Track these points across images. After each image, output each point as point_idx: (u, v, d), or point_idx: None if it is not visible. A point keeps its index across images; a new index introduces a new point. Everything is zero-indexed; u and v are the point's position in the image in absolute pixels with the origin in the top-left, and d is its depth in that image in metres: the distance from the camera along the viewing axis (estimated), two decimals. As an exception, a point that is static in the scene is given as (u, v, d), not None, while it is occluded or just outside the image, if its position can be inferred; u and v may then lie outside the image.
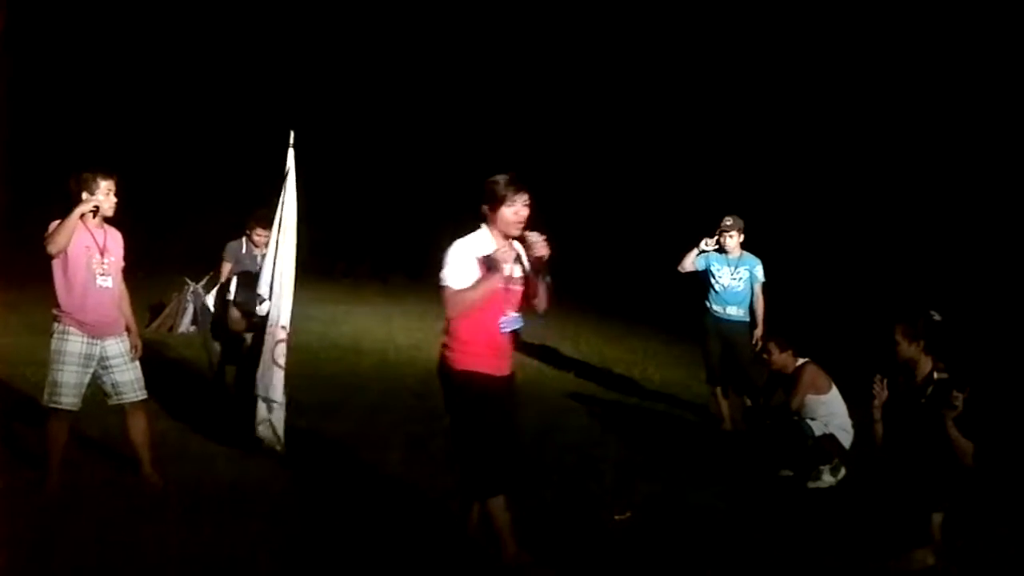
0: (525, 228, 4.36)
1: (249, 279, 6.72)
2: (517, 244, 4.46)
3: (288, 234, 6.35)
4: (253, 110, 17.99)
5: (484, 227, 4.43)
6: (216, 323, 7.16)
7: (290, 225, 6.36)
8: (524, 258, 4.45)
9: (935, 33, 15.51)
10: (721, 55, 18.53)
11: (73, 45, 18.12)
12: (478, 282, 4.27)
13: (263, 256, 6.93)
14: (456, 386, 4.41)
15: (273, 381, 6.16)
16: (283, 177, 6.35)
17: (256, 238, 7.19)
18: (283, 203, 6.34)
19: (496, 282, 4.30)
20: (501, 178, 4.36)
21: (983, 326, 10.09)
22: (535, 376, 9.70)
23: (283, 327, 6.26)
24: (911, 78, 16.09)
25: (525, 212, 4.36)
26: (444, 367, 4.47)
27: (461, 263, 4.30)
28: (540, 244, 4.33)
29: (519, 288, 4.46)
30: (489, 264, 4.31)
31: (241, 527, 4.80)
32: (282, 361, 6.20)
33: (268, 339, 6.22)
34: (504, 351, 4.48)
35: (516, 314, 4.43)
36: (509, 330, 4.42)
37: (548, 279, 4.46)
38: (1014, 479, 5.99)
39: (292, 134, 6.35)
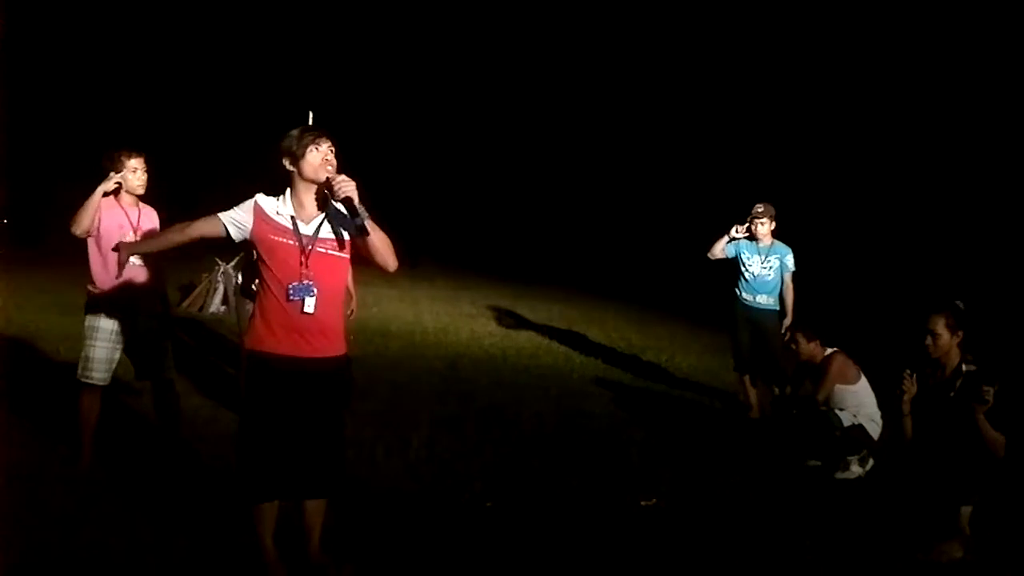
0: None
1: None
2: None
3: None
4: (286, 90, 18.08)
5: (287, 192, 3.92)
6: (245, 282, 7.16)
7: None
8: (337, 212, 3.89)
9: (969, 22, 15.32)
10: (760, 46, 18.39)
11: (119, 26, 18.31)
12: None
13: None
14: (246, 369, 3.96)
15: None
16: None
17: None
18: None
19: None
20: (290, 134, 3.88)
21: (1009, 317, 9.97)
22: (562, 361, 9.71)
23: None
24: (945, 70, 15.89)
25: (331, 155, 3.85)
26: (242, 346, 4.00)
27: (241, 208, 3.90)
28: (344, 183, 3.74)
29: (335, 252, 3.91)
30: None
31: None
32: None
33: None
34: (297, 327, 3.85)
35: (311, 284, 3.82)
36: (303, 299, 3.82)
37: (360, 220, 3.73)
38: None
39: (311, 115, 6.34)
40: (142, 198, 5.38)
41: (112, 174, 5.19)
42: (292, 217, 3.87)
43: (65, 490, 4.82)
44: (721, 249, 7.69)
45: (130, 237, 5.22)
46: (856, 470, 6.22)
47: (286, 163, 3.89)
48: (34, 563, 4.02)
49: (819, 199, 15.71)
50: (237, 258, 10.93)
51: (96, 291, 5.23)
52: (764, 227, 7.57)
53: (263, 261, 3.88)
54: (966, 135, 15.40)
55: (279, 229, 3.86)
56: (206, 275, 11.68)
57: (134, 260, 5.25)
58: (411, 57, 21.22)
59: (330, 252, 3.91)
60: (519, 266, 17.19)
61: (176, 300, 10.89)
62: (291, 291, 3.82)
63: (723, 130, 18.61)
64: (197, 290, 11.60)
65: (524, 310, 12.99)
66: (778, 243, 7.64)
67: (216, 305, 11.30)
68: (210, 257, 11.83)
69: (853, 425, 6.24)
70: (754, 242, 7.62)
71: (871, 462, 6.25)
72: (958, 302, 5.03)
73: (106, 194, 5.20)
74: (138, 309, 5.29)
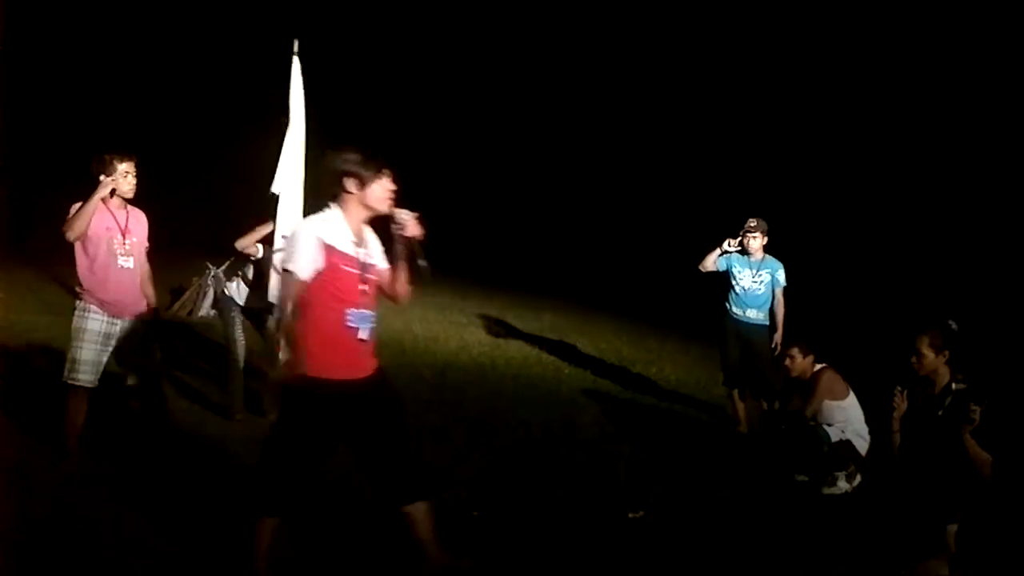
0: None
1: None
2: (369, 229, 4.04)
3: (295, 146, 6.41)
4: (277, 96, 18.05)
5: (334, 208, 3.91)
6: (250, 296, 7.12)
7: (296, 137, 6.42)
8: (391, 242, 3.99)
9: (967, 40, 15.40)
10: (754, 59, 18.46)
11: (104, 27, 18.24)
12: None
13: None
14: (290, 391, 3.88)
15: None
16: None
17: None
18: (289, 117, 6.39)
19: None
20: (355, 154, 3.89)
21: (1001, 336, 10.01)
22: (552, 372, 9.70)
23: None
24: (940, 88, 15.98)
25: (393, 186, 3.94)
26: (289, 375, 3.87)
27: (306, 245, 3.78)
28: (412, 223, 3.94)
29: (378, 277, 4.00)
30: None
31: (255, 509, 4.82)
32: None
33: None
34: (354, 350, 3.90)
35: (369, 311, 3.92)
36: (360, 327, 3.88)
37: (424, 262, 3.96)
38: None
39: (296, 43, 6.33)
40: (129, 200, 5.36)
41: (104, 178, 5.17)
42: (354, 243, 3.90)
43: (51, 492, 4.79)
44: (712, 262, 7.69)
45: (118, 239, 5.21)
46: (843, 486, 6.22)
47: (349, 185, 3.87)
48: (19, 564, 3.99)
49: (811, 214, 15.75)
50: (228, 262, 10.90)
51: (83, 293, 5.21)
52: (756, 241, 7.58)
53: (320, 286, 3.82)
54: (959, 149, 15.47)
55: (344, 257, 3.86)
56: (196, 279, 11.62)
57: (123, 263, 5.24)
58: (396, 66, 21.23)
59: (376, 278, 3.98)
60: (510, 275, 17.17)
61: (166, 304, 10.83)
62: (350, 318, 3.84)
63: (716, 143, 18.66)
64: (187, 294, 11.54)
65: (514, 320, 12.97)
66: (769, 258, 7.65)
67: (206, 309, 11.21)
68: (200, 260, 11.79)
69: (841, 441, 6.24)
70: (746, 256, 7.63)
71: (858, 478, 6.26)
72: (950, 322, 5.04)
73: None
74: (125, 312, 5.27)
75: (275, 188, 6.37)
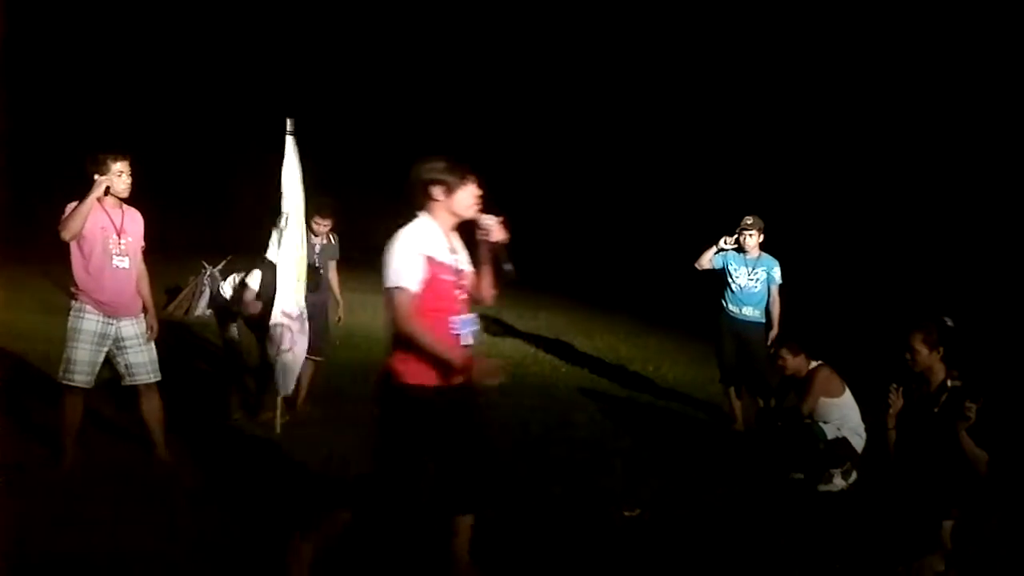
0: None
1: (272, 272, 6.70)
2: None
3: (293, 222, 6.39)
4: (271, 94, 18.05)
5: (424, 217, 3.93)
6: (225, 306, 7.13)
7: (295, 213, 6.40)
8: (475, 246, 4.04)
9: (965, 39, 15.42)
10: (748, 56, 18.47)
11: (103, 25, 18.22)
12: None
13: (321, 245, 7.08)
14: (401, 402, 3.87)
15: (284, 371, 6.35)
16: (283, 167, 6.39)
17: (315, 226, 7.17)
18: (283, 192, 6.38)
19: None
20: (442, 163, 3.92)
21: (997, 333, 10.02)
22: (548, 370, 9.70)
23: (283, 312, 6.32)
24: (935, 86, 15.99)
25: (478, 191, 3.96)
26: (388, 382, 3.89)
27: (409, 258, 3.79)
28: (497, 227, 3.99)
29: (467, 281, 4.04)
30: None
31: (251, 509, 4.83)
32: (287, 346, 6.27)
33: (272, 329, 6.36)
34: (461, 355, 3.90)
35: (471, 315, 3.97)
36: (465, 332, 3.93)
37: (509, 266, 4.02)
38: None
39: (289, 122, 6.32)
40: (125, 199, 5.34)
41: (99, 178, 5.15)
42: (448, 251, 3.93)
43: (46, 493, 4.79)
44: (709, 260, 7.70)
45: (113, 239, 5.20)
46: (839, 483, 6.23)
47: (436, 192, 3.90)
48: (14, 565, 3.98)
49: (807, 212, 15.75)
50: (224, 261, 10.91)
51: (78, 292, 5.20)
52: (752, 239, 7.58)
53: (422, 296, 3.81)
54: (952, 145, 15.49)
55: (443, 267, 3.89)
56: (192, 278, 11.64)
57: (119, 262, 5.23)
58: (394, 61, 21.21)
59: (465, 283, 4.02)
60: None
61: (162, 303, 10.83)
62: (455, 325, 3.89)
63: (713, 141, 18.66)
64: (183, 293, 11.56)
65: (511, 318, 12.97)
66: (765, 255, 7.65)
67: (202, 308, 11.24)
68: (196, 260, 11.80)
69: (837, 438, 6.24)
70: (742, 254, 7.63)
71: (854, 475, 6.26)
72: (946, 318, 5.04)
73: None
74: (121, 312, 5.27)
75: (270, 255, 6.49)
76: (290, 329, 6.34)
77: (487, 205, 4.01)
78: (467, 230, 4.07)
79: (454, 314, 3.91)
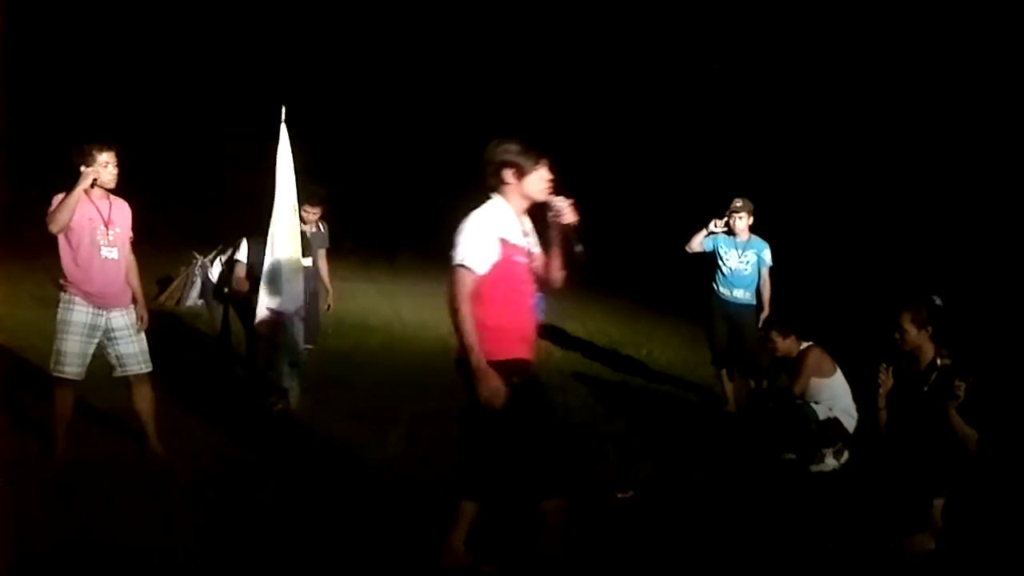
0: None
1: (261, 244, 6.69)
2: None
3: (282, 216, 6.37)
4: (263, 83, 17.98)
5: (497, 198, 3.99)
6: (219, 286, 7.17)
7: (284, 207, 6.37)
8: (545, 229, 4.08)
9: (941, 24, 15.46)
10: (737, 42, 18.45)
11: (90, 16, 18.10)
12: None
13: (311, 233, 7.13)
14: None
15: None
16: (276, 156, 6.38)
17: (304, 215, 7.17)
18: (277, 183, 6.37)
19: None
20: (515, 145, 3.96)
21: (986, 311, 10.06)
22: (541, 355, 9.69)
23: (268, 308, 6.39)
24: (917, 69, 16.02)
25: (550, 175, 4.01)
26: (465, 365, 3.90)
27: (481, 239, 3.84)
28: (568, 209, 4.00)
29: (538, 263, 4.08)
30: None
31: (244, 500, 4.84)
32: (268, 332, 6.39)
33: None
34: (532, 336, 4.07)
35: (539, 296, 4.06)
36: (538, 310, 4.06)
37: (580, 247, 4.04)
38: (1015, 466, 5.98)
39: (284, 109, 6.30)
40: (112, 190, 5.32)
41: (85, 169, 5.13)
42: (521, 233, 3.98)
43: (38, 485, 4.78)
44: (699, 243, 7.71)
45: (101, 230, 5.18)
46: (831, 463, 6.26)
47: (508, 175, 3.95)
48: (9, 557, 3.98)
49: (797, 193, 15.77)
50: (215, 251, 10.87)
51: (67, 284, 5.18)
52: (742, 222, 7.60)
53: (495, 278, 3.87)
54: (938, 128, 15.51)
55: (516, 248, 3.95)
56: (183, 268, 11.61)
57: (107, 253, 5.21)
58: (384, 51, 21.12)
59: (537, 265, 4.07)
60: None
61: (153, 294, 10.81)
62: (536, 304, 3.98)
63: (702, 124, 18.64)
64: (174, 284, 11.53)
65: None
66: (755, 238, 7.67)
67: (193, 299, 11.22)
68: (187, 250, 11.77)
69: (828, 418, 6.27)
70: (732, 236, 7.65)
71: (846, 455, 6.30)
72: (935, 297, 5.06)
73: None
74: (111, 303, 5.25)
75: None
76: (281, 320, 6.37)
77: (559, 188, 4.04)
78: (536, 212, 4.11)
79: (526, 296, 3.99)
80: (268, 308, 6.39)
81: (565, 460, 4.12)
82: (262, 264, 6.50)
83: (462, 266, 3.82)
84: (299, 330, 6.57)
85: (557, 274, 4.13)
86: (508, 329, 3.91)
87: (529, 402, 3.95)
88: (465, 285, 3.81)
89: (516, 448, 3.93)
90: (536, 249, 4.07)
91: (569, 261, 4.10)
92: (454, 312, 3.84)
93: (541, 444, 3.98)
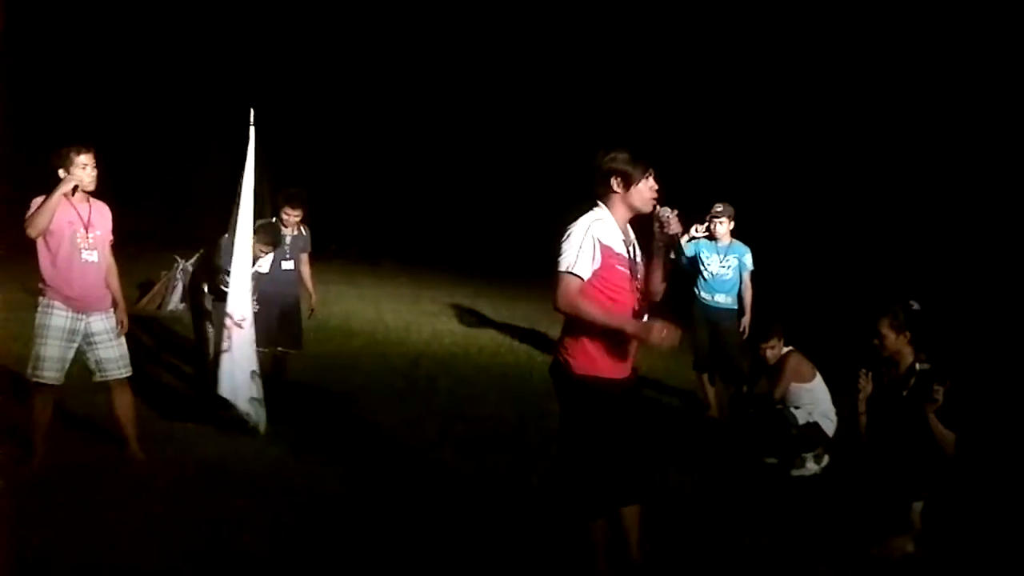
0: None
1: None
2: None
3: (244, 222, 6.08)
4: (248, 87, 17.93)
5: (602, 207, 3.94)
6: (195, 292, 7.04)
7: (246, 213, 6.08)
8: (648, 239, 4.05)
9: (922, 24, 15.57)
10: (718, 47, 18.51)
11: (76, 28, 18.01)
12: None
13: (292, 236, 7.04)
14: (579, 394, 3.90)
15: (229, 373, 5.99)
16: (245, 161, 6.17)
17: (285, 217, 7.13)
18: (241, 188, 6.08)
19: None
20: (623, 154, 3.91)
21: (964, 315, 10.14)
22: (524, 360, 9.72)
23: (230, 316, 6.04)
24: (896, 72, 16.13)
25: (656, 185, 3.96)
26: (562, 372, 3.93)
27: (585, 246, 3.79)
28: (675, 221, 3.96)
29: (640, 273, 4.01)
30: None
31: (226, 505, 4.82)
32: (225, 347, 5.98)
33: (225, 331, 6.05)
34: (631, 350, 3.98)
35: (641, 309, 3.95)
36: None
37: (683, 258, 4.09)
38: (993, 468, 6.04)
39: (252, 112, 6.18)
40: (92, 192, 5.28)
41: (64, 173, 5.09)
42: (624, 242, 3.92)
43: (16, 492, 4.75)
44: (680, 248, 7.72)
45: (81, 233, 5.15)
46: (812, 467, 6.29)
47: (615, 184, 3.91)
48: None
49: (778, 198, 15.85)
50: (197, 255, 10.82)
51: (46, 288, 5.15)
52: (723, 226, 7.62)
53: (598, 286, 3.84)
54: (920, 132, 15.62)
55: (618, 257, 3.89)
56: (165, 272, 11.55)
57: (87, 256, 5.18)
58: (365, 52, 21.10)
59: (640, 276, 3.99)
60: (481, 263, 17.17)
61: (134, 298, 10.75)
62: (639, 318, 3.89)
63: (684, 128, 18.70)
64: (156, 288, 11.47)
65: (486, 308, 12.99)
66: (737, 242, 7.69)
67: (175, 303, 11.17)
68: (169, 255, 11.71)
69: (808, 423, 6.31)
70: (713, 241, 7.67)
71: (826, 459, 6.33)
72: (912, 302, 5.10)
73: None
74: (90, 307, 5.22)
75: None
76: (232, 332, 6.04)
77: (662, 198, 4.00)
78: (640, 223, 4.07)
79: (629, 305, 3.91)
80: (228, 314, 6.12)
81: (651, 465, 4.16)
82: (228, 269, 6.29)
83: (569, 273, 3.79)
84: (250, 337, 6.26)
85: (658, 286, 4.09)
86: (608, 341, 3.86)
87: (628, 413, 3.97)
88: (571, 291, 3.79)
89: (619, 458, 3.92)
90: (639, 259, 4.02)
91: (668, 273, 4.08)
92: (571, 314, 3.82)
93: (636, 451, 4.01)
